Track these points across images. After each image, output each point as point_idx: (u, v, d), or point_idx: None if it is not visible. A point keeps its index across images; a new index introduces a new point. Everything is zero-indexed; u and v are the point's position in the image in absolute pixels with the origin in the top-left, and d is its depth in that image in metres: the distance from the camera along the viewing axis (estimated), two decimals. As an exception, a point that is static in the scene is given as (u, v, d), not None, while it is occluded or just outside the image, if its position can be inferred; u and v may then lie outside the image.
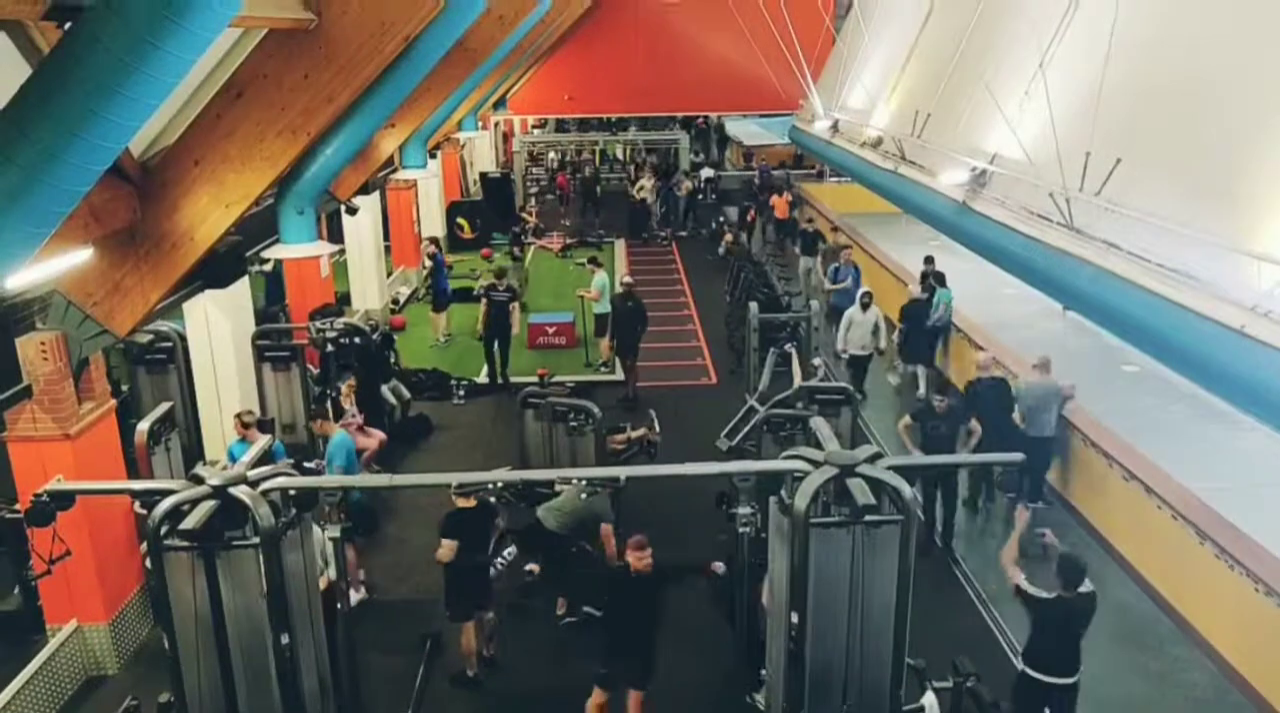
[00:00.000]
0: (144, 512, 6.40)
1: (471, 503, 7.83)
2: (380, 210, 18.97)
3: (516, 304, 14.98)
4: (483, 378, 15.05)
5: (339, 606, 6.52)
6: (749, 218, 24.86)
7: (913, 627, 5.73)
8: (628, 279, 15.55)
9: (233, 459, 9.28)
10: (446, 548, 7.64)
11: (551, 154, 36.27)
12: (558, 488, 8.78)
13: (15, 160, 4.97)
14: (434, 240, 18.86)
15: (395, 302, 19.13)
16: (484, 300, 14.81)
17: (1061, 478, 11.02)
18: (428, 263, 18.20)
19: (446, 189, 25.68)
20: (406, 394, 13.58)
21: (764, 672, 6.70)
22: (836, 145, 19.52)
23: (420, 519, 10.65)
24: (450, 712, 7.83)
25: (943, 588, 9.31)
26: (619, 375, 15.25)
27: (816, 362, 12.04)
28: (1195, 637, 8.42)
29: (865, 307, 13.76)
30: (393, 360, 14.20)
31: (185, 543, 5.38)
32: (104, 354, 8.54)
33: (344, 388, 10.78)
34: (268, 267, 15.98)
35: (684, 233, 26.71)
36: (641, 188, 27.31)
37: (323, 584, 6.54)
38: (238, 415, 9.37)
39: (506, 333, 14.83)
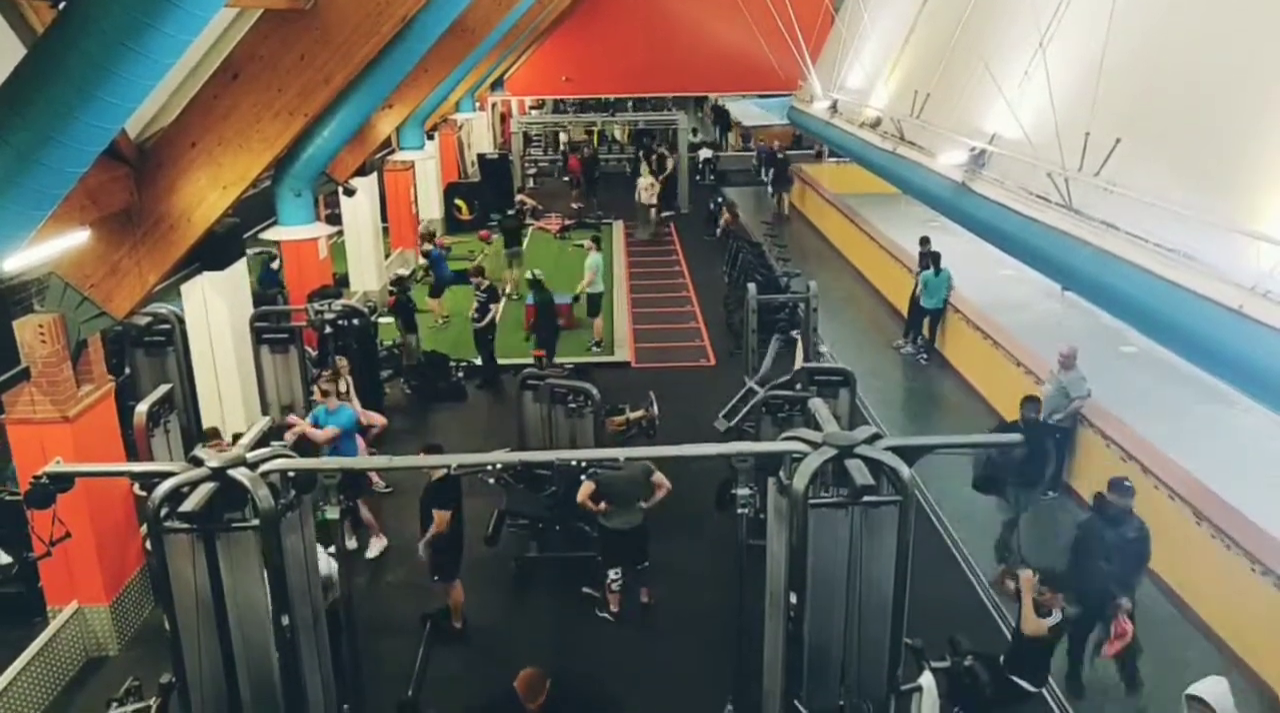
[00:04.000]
0: (144, 494, 6.39)
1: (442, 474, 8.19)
2: (378, 192, 18.91)
3: (497, 304, 14.35)
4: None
5: (339, 594, 6.55)
6: None
7: (910, 607, 5.75)
8: (538, 272, 15.22)
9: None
10: (441, 518, 8.05)
11: (563, 136, 35.68)
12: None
13: (10, 142, 4.94)
14: (430, 237, 18.81)
15: (394, 283, 19.08)
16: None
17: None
18: (422, 260, 18.08)
19: (444, 170, 25.59)
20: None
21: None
22: (835, 126, 19.47)
23: (418, 501, 10.67)
24: (450, 692, 7.87)
25: (941, 568, 9.35)
26: (617, 356, 15.30)
27: (824, 349, 11.76)
28: (1192, 617, 8.46)
29: None
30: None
31: (185, 525, 5.39)
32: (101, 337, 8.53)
33: (339, 366, 10.77)
34: (275, 264, 15.84)
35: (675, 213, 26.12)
36: (651, 186, 24.66)
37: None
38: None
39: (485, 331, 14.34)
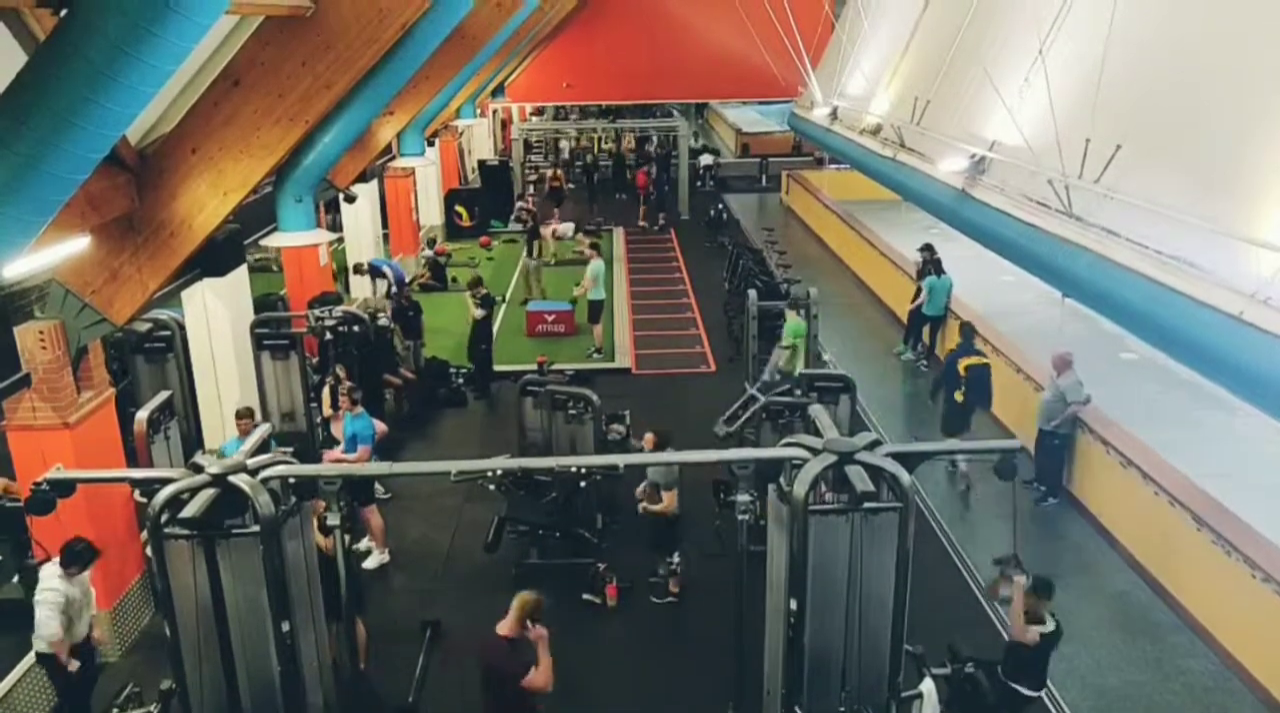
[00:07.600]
0: (144, 500, 6.39)
1: None
2: (379, 198, 18.93)
3: (486, 311, 14.14)
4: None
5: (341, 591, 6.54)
6: None
7: (911, 613, 5.75)
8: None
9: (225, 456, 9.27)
10: None
11: (625, 141, 33.49)
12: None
13: (12, 149, 4.95)
14: (431, 243, 18.81)
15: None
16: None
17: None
18: (426, 251, 18.15)
19: (445, 177, 25.64)
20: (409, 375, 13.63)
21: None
22: (836, 132, 19.51)
23: (418, 508, 10.69)
24: (450, 698, 7.85)
25: (941, 574, 9.34)
26: (617, 363, 15.32)
27: (826, 357, 11.72)
28: (1193, 624, 8.45)
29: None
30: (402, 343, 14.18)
31: (185, 531, 5.39)
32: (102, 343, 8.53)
33: (341, 374, 10.76)
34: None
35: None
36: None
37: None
38: (238, 414, 9.43)
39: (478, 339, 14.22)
